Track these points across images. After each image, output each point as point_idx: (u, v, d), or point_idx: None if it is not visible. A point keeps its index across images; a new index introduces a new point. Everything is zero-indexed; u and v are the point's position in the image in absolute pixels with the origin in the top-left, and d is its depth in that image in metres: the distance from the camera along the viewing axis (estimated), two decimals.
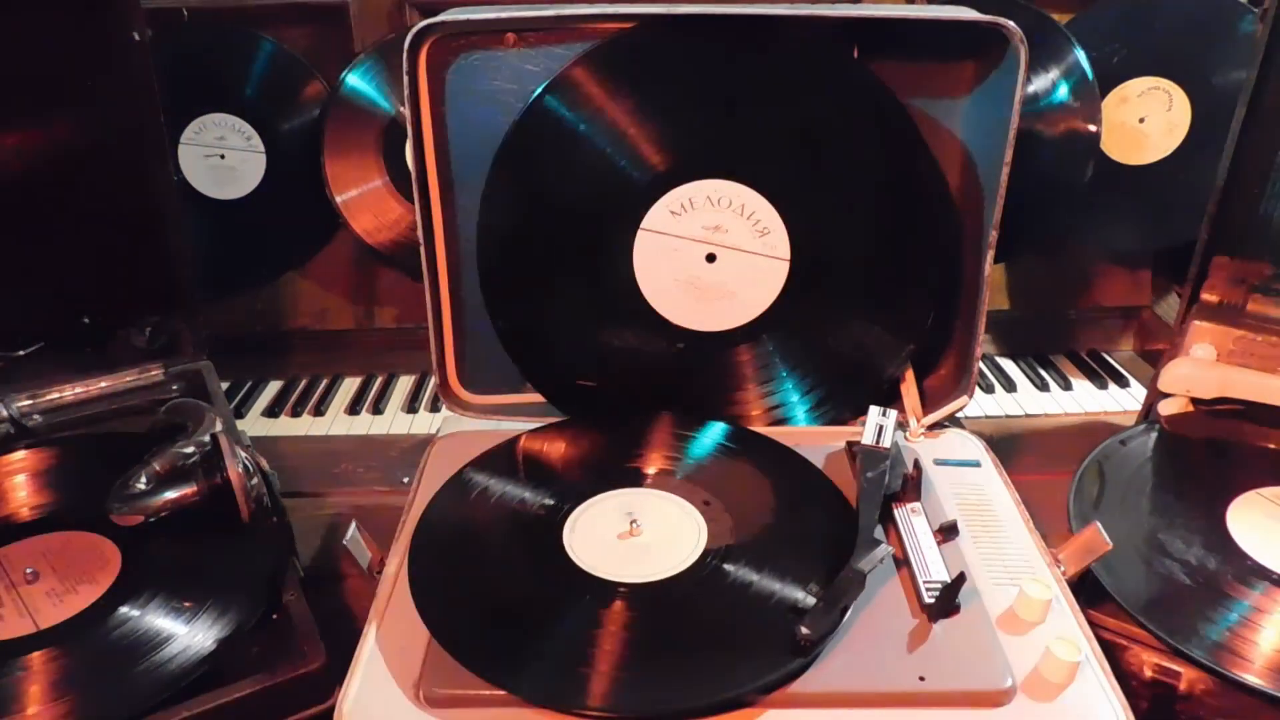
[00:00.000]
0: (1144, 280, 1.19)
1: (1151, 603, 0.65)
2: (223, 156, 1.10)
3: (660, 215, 0.81)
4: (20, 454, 0.80)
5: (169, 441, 0.74)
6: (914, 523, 0.68)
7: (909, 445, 0.80)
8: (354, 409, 1.09)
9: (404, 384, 1.14)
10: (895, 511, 0.69)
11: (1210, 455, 0.83)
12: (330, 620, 0.65)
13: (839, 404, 0.86)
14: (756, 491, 0.73)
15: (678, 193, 0.80)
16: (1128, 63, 1.08)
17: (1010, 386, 1.11)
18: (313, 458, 0.99)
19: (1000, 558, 0.67)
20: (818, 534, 0.68)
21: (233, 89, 1.09)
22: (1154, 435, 0.84)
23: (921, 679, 0.56)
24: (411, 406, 1.09)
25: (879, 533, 0.67)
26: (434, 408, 1.09)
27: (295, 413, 1.09)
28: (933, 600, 0.61)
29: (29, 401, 0.83)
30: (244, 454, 0.71)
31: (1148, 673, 0.63)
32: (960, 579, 0.60)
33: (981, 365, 0.88)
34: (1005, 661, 0.58)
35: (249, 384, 1.15)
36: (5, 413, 0.81)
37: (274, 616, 0.65)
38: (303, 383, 1.15)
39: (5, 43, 0.77)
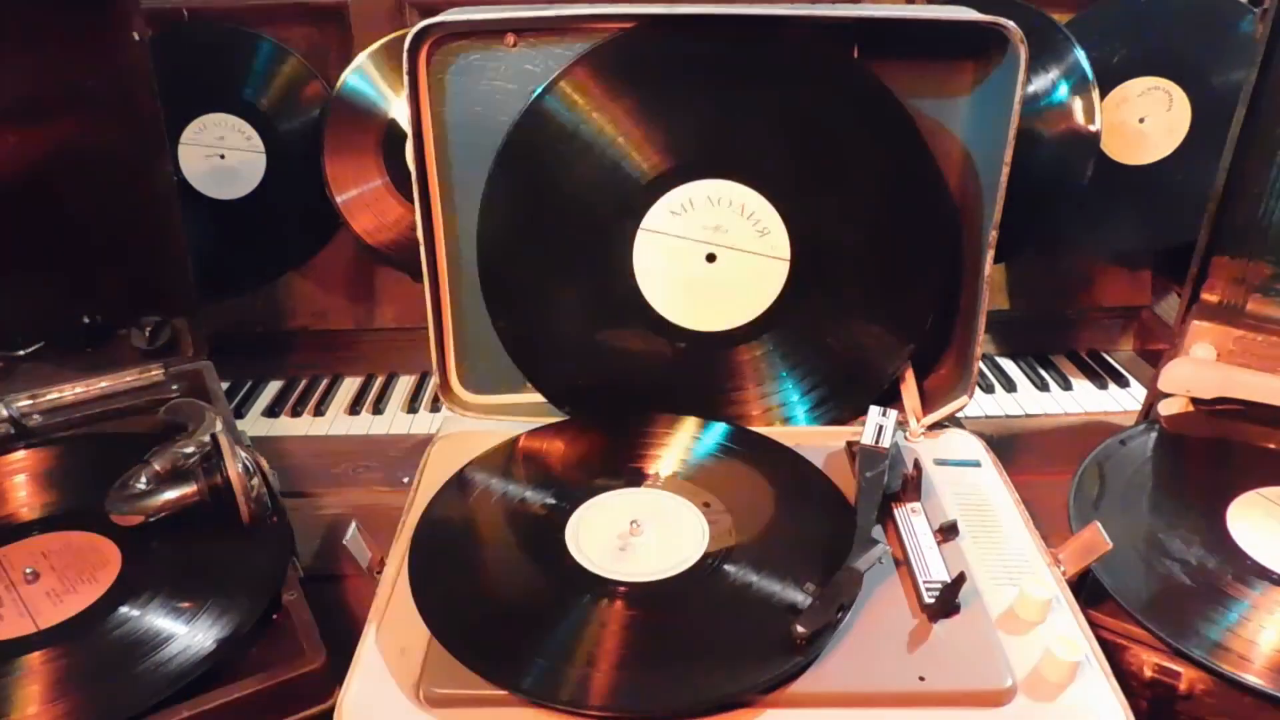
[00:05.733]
0: (1144, 280, 1.19)
1: (1151, 603, 0.65)
2: (223, 156, 1.10)
3: (660, 215, 0.81)
4: (20, 454, 0.80)
5: (169, 441, 0.74)
6: (914, 523, 0.68)
7: (909, 445, 0.80)
8: (354, 409, 1.09)
9: (404, 384, 1.14)
10: (895, 511, 0.69)
11: (1210, 455, 0.83)
12: (330, 620, 0.65)
13: (839, 404, 0.86)
14: (756, 491, 0.73)
15: (678, 193, 0.80)
16: (1128, 63, 1.08)
17: (1010, 386, 1.11)
18: (313, 458, 0.99)
19: (1000, 558, 0.67)
20: (818, 534, 0.68)
21: (233, 89, 1.09)
22: (1154, 435, 0.84)
23: (921, 679, 0.56)
24: (411, 406, 1.09)
25: (878, 532, 0.67)
26: (434, 408, 1.09)
27: (295, 413, 1.09)
28: (933, 600, 0.61)
29: (29, 401, 0.83)
30: (244, 454, 0.71)
31: (1148, 673, 0.63)
32: (960, 579, 0.60)
33: (981, 365, 0.88)
34: (1005, 661, 0.58)
35: (249, 384, 1.15)
36: (5, 413, 0.81)
37: (274, 616, 0.65)
38: (303, 383, 1.15)
39: (5, 43, 0.77)
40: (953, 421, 0.85)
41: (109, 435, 0.84)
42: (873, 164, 0.81)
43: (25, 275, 0.85)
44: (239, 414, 1.08)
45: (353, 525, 0.65)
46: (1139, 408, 0.92)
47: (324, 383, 1.15)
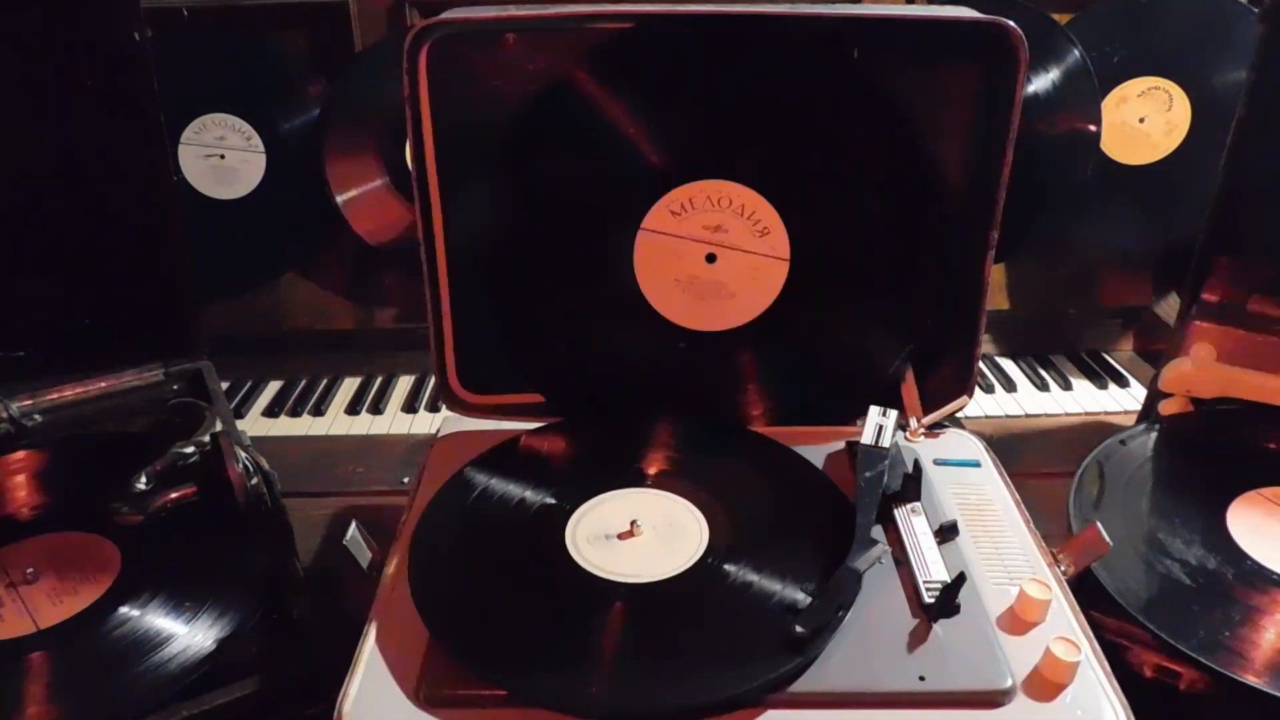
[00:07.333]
0: (1144, 280, 1.19)
1: (1151, 603, 0.65)
2: (223, 156, 1.10)
3: (660, 215, 0.81)
4: (20, 454, 0.80)
5: (169, 441, 0.74)
6: (914, 523, 0.68)
7: (909, 445, 0.80)
8: (354, 409, 1.09)
9: (404, 384, 1.14)
10: (895, 511, 0.69)
11: (1210, 455, 0.82)
12: (330, 620, 0.65)
13: (839, 404, 0.86)
14: (756, 491, 0.73)
15: (678, 193, 0.80)
16: (1128, 63, 1.08)
17: (1010, 386, 1.11)
18: (313, 458, 0.99)
19: (1000, 558, 0.67)
20: (817, 534, 0.68)
21: (233, 89, 1.09)
22: (1154, 435, 0.84)
23: (921, 679, 0.56)
24: (411, 406, 1.09)
25: (878, 532, 0.67)
26: (434, 408, 1.09)
27: (295, 413, 1.09)
28: (933, 600, 0.61)
29: (29, 401, 0.83)
30: (244, 454, 0.71)
31: (1148, 673, 0.63)
32: (960, 579, 0.60)
33: (981, 365, 0.88)
34: (1005, 661, 0.58)
35: (249, 384, 1.15)
36: (5, 413, 0.81)
37: (274, 616, 0.65)
38: (303, 383, 1.15)
39: (5, 43, 0.77)
40: (953, 421, 0.85)
41: (109, 435, 0.84)
42: (872, 164, 0.81)
43: (25, 275, 0.85)
44: (239, 414, 1.08)
45: (353, 525, 0.65)
46: (1139, 408, 0.92)
47: (324, 383, 1.15)
